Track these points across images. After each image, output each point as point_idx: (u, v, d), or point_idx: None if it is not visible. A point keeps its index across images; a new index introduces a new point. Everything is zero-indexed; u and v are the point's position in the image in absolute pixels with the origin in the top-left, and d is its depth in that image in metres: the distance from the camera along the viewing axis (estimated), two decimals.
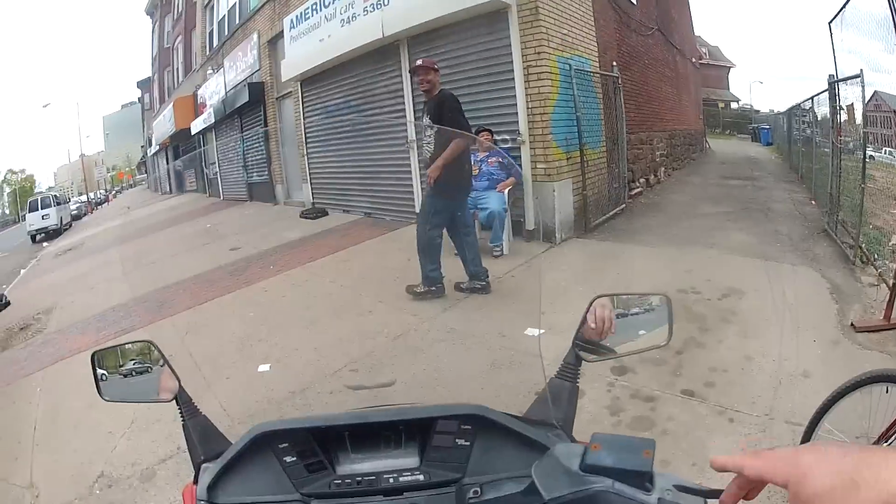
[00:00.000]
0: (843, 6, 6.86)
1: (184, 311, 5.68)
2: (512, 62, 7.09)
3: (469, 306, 4.87)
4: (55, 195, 26.55)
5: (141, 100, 41.05)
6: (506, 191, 6.58)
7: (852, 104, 7.49)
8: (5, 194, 73.94)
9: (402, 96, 8.51)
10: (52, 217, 23.08)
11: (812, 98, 10.49)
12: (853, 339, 4.33)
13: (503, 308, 4.79)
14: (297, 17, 11.01)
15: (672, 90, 15.00)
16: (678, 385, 3.56)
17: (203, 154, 20.14)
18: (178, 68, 25.62)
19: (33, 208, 23.75)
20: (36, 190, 74.66)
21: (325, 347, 4.23)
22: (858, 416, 2.33)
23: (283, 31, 11.68)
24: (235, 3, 15.67)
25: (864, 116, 6.90)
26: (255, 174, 14.89)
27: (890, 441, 2.22)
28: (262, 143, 14.07)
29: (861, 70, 6.47)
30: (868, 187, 6.60)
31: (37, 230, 22.92)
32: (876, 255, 6.68)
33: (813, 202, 10.21)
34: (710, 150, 22.44)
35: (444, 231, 5.11)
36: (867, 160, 6.83)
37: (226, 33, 16.50)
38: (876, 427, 2.29)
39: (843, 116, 7.70)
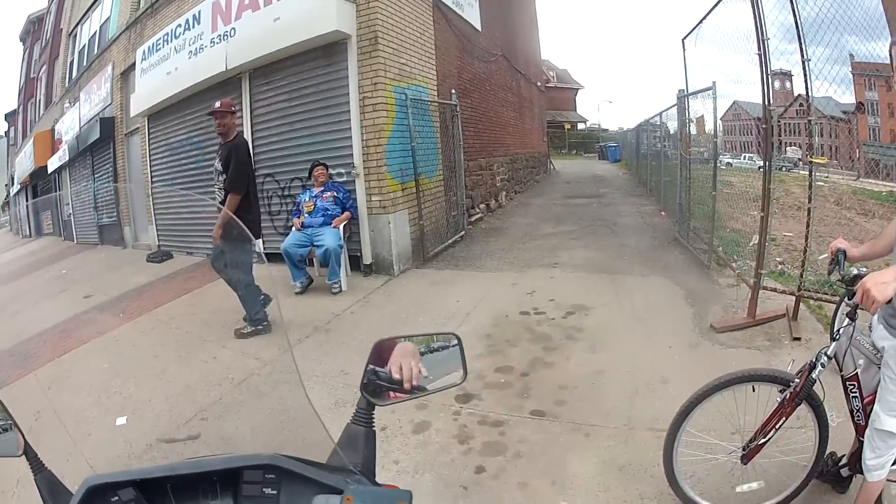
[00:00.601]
0: (699, 23, 7.03)
1: (46, 363, 5.43)
2: (349, 94, 7.12)
3: (310, 346, 4.84)
4: None
5: (7, 133, 38.22)
6: (341, 226, 6.57)
7: (702, 116, 7.75)
8: None
9: (242, 131, 7.92)
10: None
11: (661, 113, 10.85)
12: (714, 340, 4.57)
13: (344, 345, 4.78)
14: (149, 48, 10.59)
15: (514, 115, 15.27)
16: (527, 407, 3.58)
17: (59, 194, 18.86)
18: (40, 100, 24.02)
19: None
20: None
21: (175, 397, 4.14)
22: (727, 415, 2.42)
23: (135, 63, 11.18)
24: (96, 32, 14.86)
25: (716, 126, 7.13)
26: (104, 216, 14.16)
27: (768, 437, 2.28)
28: (111, 183, 13.42)
29: (714, 82, 6.72)
30: (725, 192, 6.95)
31: None
32: (735, 257, 6.97)
33: (663, 213, 10.62)
34: (556, 171, 23.02)
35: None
36: (726, 167, 7.18)
37: (84, 63, 15.61)
38: (749, 425, 2.37)
39: (693, 129, 8.01)
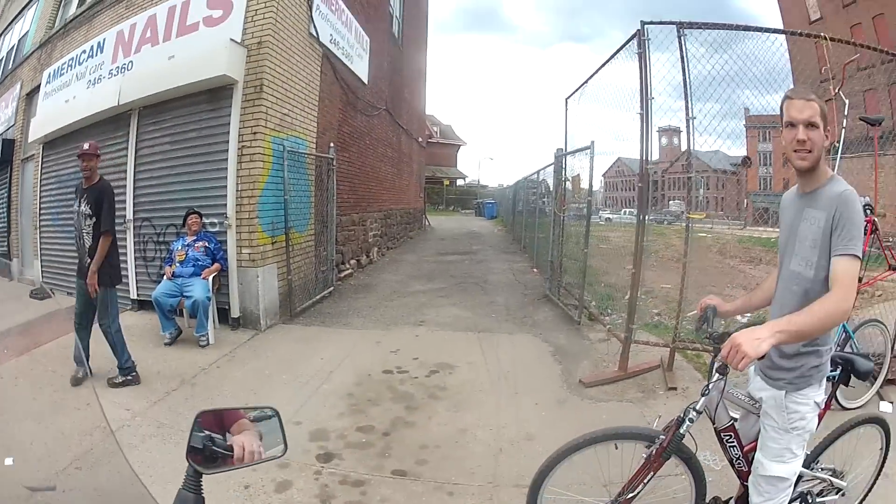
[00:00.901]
0: (584, 83, 7.23)
1: None
2: (228, 141, 7.06)
3: (177, 399, 4.78)
4: None
5: None
6: (210, 277, 6.48)
7: (578, 175, 7.93)
8: None
9: (125, 171, 8.00)
10: None
11: (538, 171, 11.13)
12: (583, 395, 4.74)
13: (209, 401, 4.69)
14: (55, 70, 10.14)
15: (392, 170, 15.38)
16: (388, 466, 3.60)
17: None
18: None
19: None
20: None
21: (52, 442, 3.98)
22: (593, 472, 2.43)
23: (40, 85, 10.64)
24: (14, 47, 14.03)
25: (591, 185, 7.29)
26: None
27: (636, 492, 2.29)
28: (5, 210, 12.56)
29: (592, 142, 6.89)
30: (602, 248, 7.02)
31: None
32: (609, 311, 7.01)
33: (535, 270, 10.83)
34: (431, 227, 23.20)
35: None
36: (605, 223, 7.26)
37: None
38: (618, 477, 2.38)
39: (570, 186, 8.14)
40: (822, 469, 2.56)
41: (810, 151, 2.03)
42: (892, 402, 4.96)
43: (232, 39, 7.01)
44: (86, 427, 4.00)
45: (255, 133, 6.93)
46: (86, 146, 5.16)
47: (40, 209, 10.45)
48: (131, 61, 8.15)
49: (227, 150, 7.03)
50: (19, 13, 14.41)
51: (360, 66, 11.11)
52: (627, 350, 5.25)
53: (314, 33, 8.40)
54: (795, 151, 2.05)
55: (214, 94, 7.21)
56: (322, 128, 8.89)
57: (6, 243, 12.44)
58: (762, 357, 1.73)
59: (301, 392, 4.78)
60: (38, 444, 3.81)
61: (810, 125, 2.01)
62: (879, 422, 2.77)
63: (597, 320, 6.89)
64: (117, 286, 5.23)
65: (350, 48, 10.27)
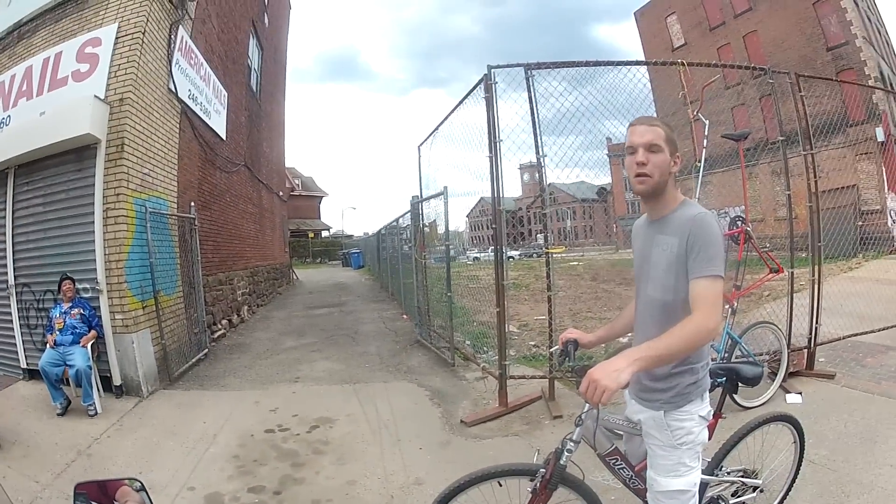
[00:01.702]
0: (435, 130, 7.42)
1: None
2: (94, 202, 6.89)
3: (76, 470, 4.61)
4: None
5: None
6: (89, 345, 6.33)
7: (433, 221, 8.09)
8: None
9: (4, 234, 7.67)
10: None
11: (398, 219, 11.28)
12: (466, 435, 4.84)
13: (106, 472, 4.56)
14: None
15: (255, 226, 15.29)
16: None
17: None
18: None
19: None
20: None
21: None
22: None
23: None
24: None
25: (447, 229, 7.46)
26: None
27: None
28: None
29: (445, 187, 7.03)
30: (472, 287, 7.20)
31: None
32: (486, 349, 7.20)
33: (405, 316, 10.94)
34: (299, 281, 23.28)
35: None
36: (473, 262, 7.47)
37: None
38: None
39: (428, 231, 8.29)
40: (729, 472, 2.63)
41: (650, 176, 2.07)
42: (800, 393, 5.26)
43: (96, 96, 6.87)
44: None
45: (118, 195, 6.82)
46: None
47: None
48: (9, 115, 7.82)
49: (93, 213, 6.86)
50: None
51: (218, 122, 10.97)
52: (504, 385, 5.35)
53: (173, 88, 8.31)
54: (636, 176, 2.08)
55: (80, 154, 7.04)
56: (182, 187, 8.78)
57: None
58: (625, 386, 1.76)
59: (189, 457, 4.77)
60: None
61: (652, 148, 2.06)
62: (783, 418, 2.87)
63: (471, 360, 7.03)
64: None
65: (208, 103, 10.15)
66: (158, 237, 7.49)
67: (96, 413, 6.04)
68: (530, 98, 5.33)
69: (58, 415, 5.99)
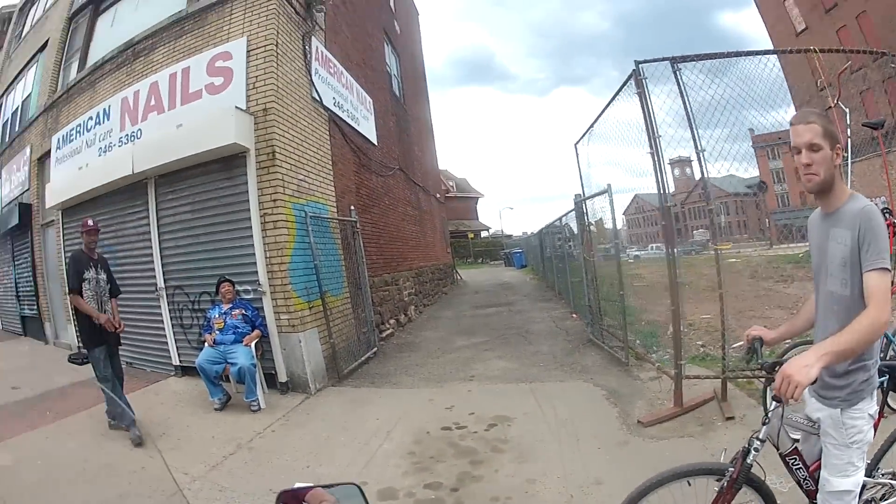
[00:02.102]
0: (590, 127, 7.18)
1: None
2: (249, 209, 7.02)
3: (235, 463, 4.70)
4: None
5: None
6: (252, 343, 6.40)
7: (600, 219, 7.85)
8: None
9: (150, 240, 8.05)
10: None
11: (560, 217, 11.06)
12: (644, 435, 4.66)
13: (269, 465, 4.66)
14: (63, 136, 10.24)
15: (416, 228, 15.35)
16: None
17: None
18: None
19: None
20: None
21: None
22: None
23: (51, 150, 10.76)
24: (18, 108, 14.24)
25: (614, 226, 7.24)
26: (26, 307, 13.45)
27: None
28: (30, 274, 12.72)
29: (609, 185, 6.80)
30: (636, 286, 6.98)
31: None
32: (655, 348, 6.96)
33: (574, 315, 10.68)
34: (463, 281, 23.26)
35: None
36: (634, 260, 7.22)
37: (6, 140, 14.81)
38: None
39: (594, 230, 8.06)
40: (882, 475, 2.58)
41: (816, 174, 2.08)
42: None
43: (237, 107, 6.98)
44: (144, 490, 4.24)
45: (274, 200, 6.90)
46: (90, 223, 5.68)
47: None
48: (140, 129, 8.17)
49: (249, 219, 7.01)
50: (19, 73, 14.47)
51: (368, 127, 11.06)
52: (680, 386, 5.19)
53: (317, 97, 8.37)
54: (805, 175, 2.10)
55: (228, 163, 7.20)
56: (340, 191, 8.90)
57: (36, 306, 12.57)
58: (814, 382, 1.79)
59: (362, 452, 4.74)
60: None
61: (812, 147, 2.07)
62: None
63: (644, 359, 6.84)
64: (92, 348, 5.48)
65: (355, 110, 10.22)
66: (321, 240, 7.55)
67: (259, 408, 6.14)
68: (681, 91, 5.13)
69: (215, 409, 6.14)
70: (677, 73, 5.11)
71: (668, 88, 5.22)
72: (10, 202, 13.41)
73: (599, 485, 3.76)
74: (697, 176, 5.28)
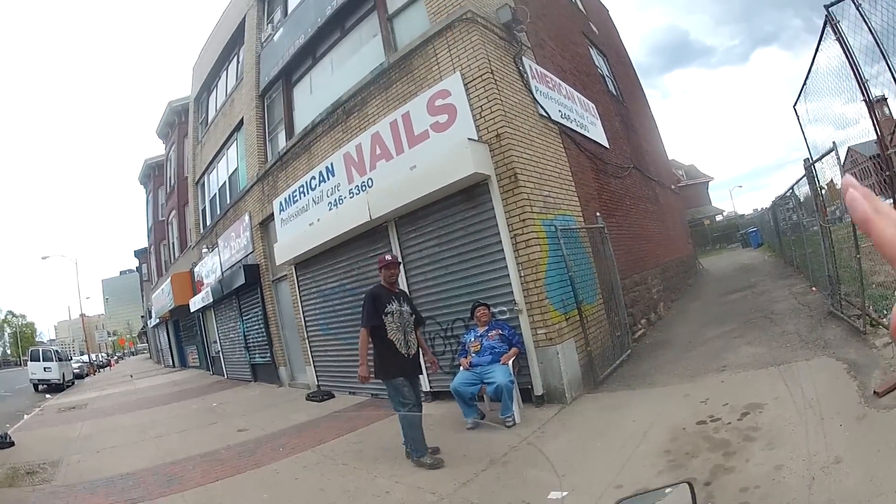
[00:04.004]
0: (803, 86, 6.98)
1: (195, 487, 5.68)
2: (499, 232, 7.20)
3: (486, 478, 4.81)
4: (56, 350, 26.96)
5: (139, 269, 42.01)
6: (510, 362, 6.55)
7: (832, 180, 7.57)
8: (6, 334, 76.25)
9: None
10: (54, 371, 23.66)
11: (792, 187, 10.61)
12: (878, 406, 4.40)
13: (522, 475, 4.75)
14: (285, 199, 11.24)
15: (658, 223, 15.15)
16: None
17: (205, 332, 20.26)
18: (173, 242, 26.09)
19: (35, 357, 24.15)
20: (36, 338, 76.63)
21: None
22: None
23: (273, 213, 11.88)
24: (226, 182, 15.98)
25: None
26: (257, 355, 14.85)
27: None
28: (262, 325, 13.99)
29: (834, 143, 6.49)
30: (863, 247, 6.65)
31: (39, 380, 23.52)
32: (885, 312, 6.62)
33: (813, 289, 10.22)
34: (704, 269, 22.57)
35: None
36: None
37: (218, 212, 16.67)
38: None
39: (825, 192, 7.79)
40: None
41: None
42: None
43: (470, 138, 7.19)
44: None
45: (523, 220, 7.01)
46: (388, 257, 5.90)
47: (305, 322, 11.53)
48: (370, 178, 8.79)
49: (499, 242, 7.17)
50: (218, 153, 16.08)
51: (597, 132, 11.08)
52: None
53: (544, 113, 8.43)
54: None
55: (469, 192, 7.45)
56: (584, 200, 8.97)
57: (269, 354, 13.74)
58: None
59: (618, 457, 4.73)
60: None
61: None
62: None
63: (878, 324, 6.45)
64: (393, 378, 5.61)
65: (580, 118, 10.26)
66: (572, 251, 7.60)
67: (514, 423, 6.20)
68: (870, 30, 4.85)
69: (468, 429, 6.26)
70: (860, 7, 4.89)
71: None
72: (232, 266, 14.82)
73: (838, 463, 3.64)
74: None
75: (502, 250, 7.21)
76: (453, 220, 7.77)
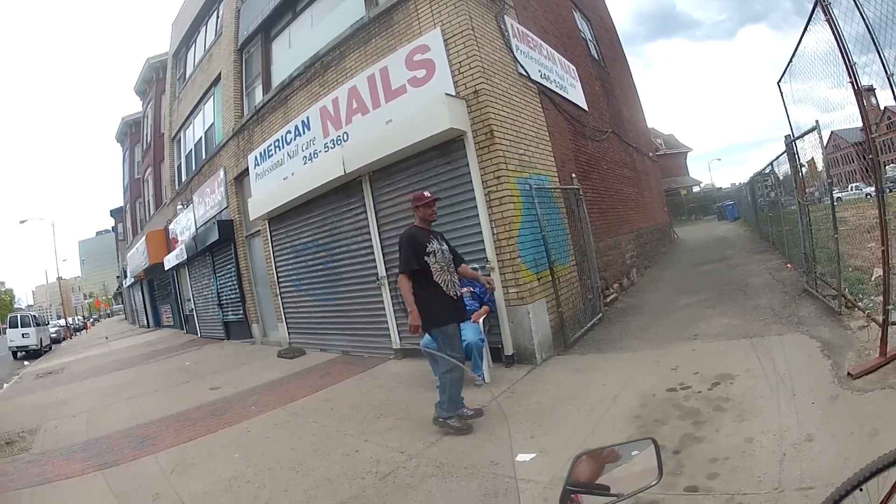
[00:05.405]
0: (789, 63, 6.84)
1: (167, 448, 5.66)
2: (473, 189, 7.18)
3: (455, 439, 4.77)
4: (34, 315, 26.59)
5: (115, 229, 41.34)
6: (480, 320, 6.50)
7: (812, 159, 7.57)
8: None
9: (369, 232, 8.55)
10: (31, 337, 23.56)
11: (771, 162, 10.66)
12: (852, 388, 4.40)
13: (491, 436, 4.72)
14: (260, 154, 11.13)
15: (633, 189, 15.18)
16: (680, 484, 3.47)
17: (179, 290, 20.10)
18: (149, 200, 25.78)
19: (13, 324, 24.06)
20: (14, 304, 76.17)
21: (314, 489, 4.15)
22: None
23: (248, 168, 11.76)
24: (201, 138, 15.79)
25: (827, 164, 6.94)
26: (230, 313, 14.78)
27: None
28: (235, 282, 13.91)
29: (817, 121, 6.48)
30: (841, 230, 6.68)
31: (17, 347, 23.47)
32: (861, 295, 6.67)
33: (789, 266, 10.31)
34: (679, 239, 22.73)
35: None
36: (837, 202, 6.88)
37: (193, 168, 16.48)
38: None
39: (805, 171, 7.77)
40: None
41: None
42: None
43: (447, 94, 7.10)
44: (356, 472, 4.35)
45: (498, 177, 6.97)
46: (427, 194, 5.42)
47: (278, 278, 11.53)
48: (346, 132, 8.69)
49: (473, 199, 7.16)
50: (195, 108, 15.80)
51: (576, 95, 11.01)
52: (885, 334, 4.78)
53: (523, 72, 8.32)
54: None
55: (445, 148, 7.39)
56: (560, 161, 8.92)
57: (242, 311, 13.69)
58: None
59: (587, 420, 4.72)
60: (295, 491, 4.15)
61: None
62: None
63: (854, 307, 6.47)
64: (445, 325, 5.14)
65: (561, 79, 10.20)
66: (546, 211, 7.59)
67: (484, 383, 6.20)
68: (863, 16, 4.63)
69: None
70: None
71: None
72: (207, 222, 14.66)
73: (810, 441, 3.64)
74: (886, 103, 4.96)
75: (476, 207, 7.19)
76: (428, 175, 7.68)
